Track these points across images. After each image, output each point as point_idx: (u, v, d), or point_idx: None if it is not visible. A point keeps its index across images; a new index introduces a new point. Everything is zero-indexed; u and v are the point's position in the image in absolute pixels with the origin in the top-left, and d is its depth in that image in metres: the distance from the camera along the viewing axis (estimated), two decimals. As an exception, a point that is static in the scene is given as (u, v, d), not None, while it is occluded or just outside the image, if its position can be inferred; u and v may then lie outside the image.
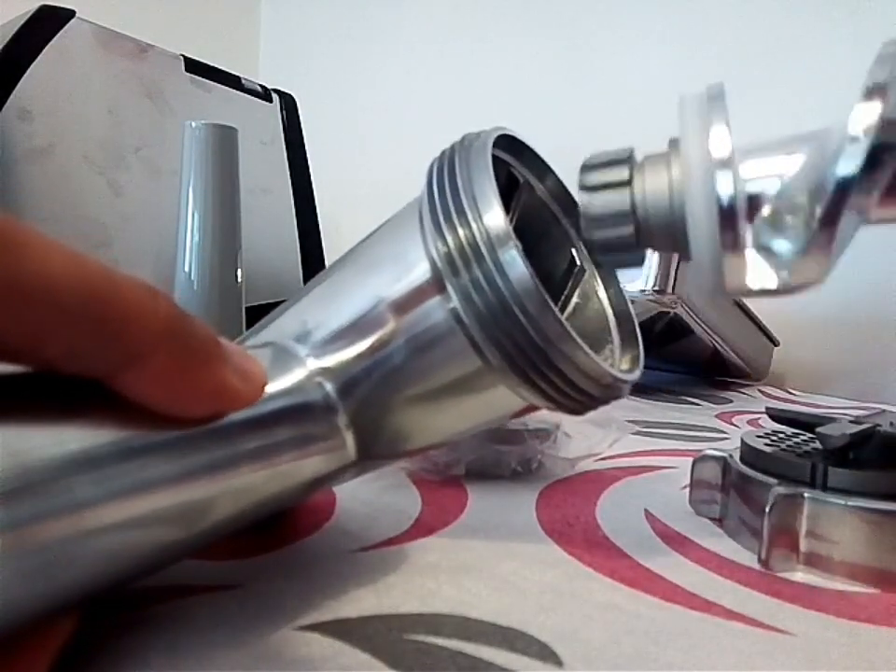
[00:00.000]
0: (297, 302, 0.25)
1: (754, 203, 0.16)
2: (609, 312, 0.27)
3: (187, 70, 0.68)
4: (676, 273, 0.57)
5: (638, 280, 0.57)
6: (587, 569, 0.25)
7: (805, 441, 0.31)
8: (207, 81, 0.69)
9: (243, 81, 0.73)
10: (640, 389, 0.68)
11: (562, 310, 0.25)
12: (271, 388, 0.20)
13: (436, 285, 0.21)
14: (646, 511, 0.32)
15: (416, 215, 0.22)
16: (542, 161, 0.27)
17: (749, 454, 0.30)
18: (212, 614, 0.21)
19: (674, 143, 0.17)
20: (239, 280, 0.47)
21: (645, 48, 0.93)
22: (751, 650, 0.21)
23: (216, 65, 0.71)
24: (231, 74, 0.72)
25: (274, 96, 0.77)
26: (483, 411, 0.23)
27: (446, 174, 0.22)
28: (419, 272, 0.22)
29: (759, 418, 0.58)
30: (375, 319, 0.22)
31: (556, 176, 0.27)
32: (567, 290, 0.27)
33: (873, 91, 0.15)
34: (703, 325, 0.62)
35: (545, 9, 1.02)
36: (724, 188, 0.15)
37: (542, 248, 0.26)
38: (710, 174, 0.15)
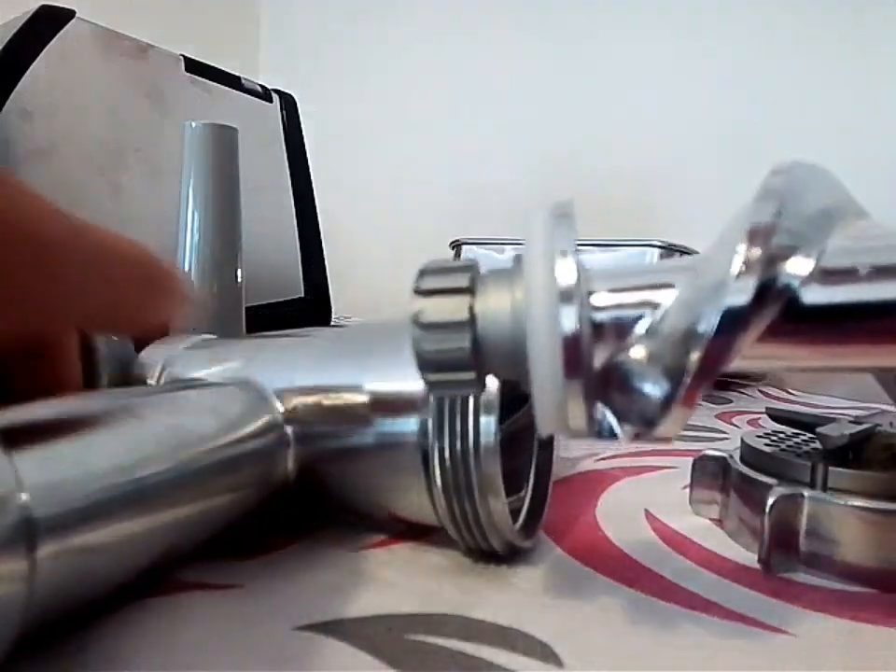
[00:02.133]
0: (286, 352, 0.28)
1: (610, 339, 0.15)
2: (533, 466, 0.29)
3: (187, 70, 0.68)
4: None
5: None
6: (587, 569, 0.25)
7: (805, 441, 0.31)
8: (207, 81, 0.69)
9: (243, 81, 0.73)
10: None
11: (501, 423, 0.25)
12: (242, 431, 0.24)
13: (419, 403, 0.24)
14: (646, 510, 0.32)
15: None
16: None
17: (748, 454, 0.30)
18: (212, 614, 0.21)
19: (518, 261, 0.15)
20: (239, 280, 0.47)
21: (643, 47, 0.93)
22: (751, 650, 0.21)
23: (216, 65, 0.71)
24: (230, 74, 0.72)
25: (274, 96, 0.77)
26: (404, 508, 0.26)
27: None
28: (412, 387, 0.24)
29: (759, 418, 0.58)
30: (353, 399, 0.25)
31: None
32: (510, 420, 0.28)
33: (758, 231, 0.13)
34: (703, 325, 0.62)
35: (547, 10, 1.02)
36: (569, 318, 0.14)
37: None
38: (554, 303, 0.14)
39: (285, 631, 0.20)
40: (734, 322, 0.13)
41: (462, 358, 0.15)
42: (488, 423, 0.23)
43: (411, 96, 1.18)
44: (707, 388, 0.14)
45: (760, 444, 0.30)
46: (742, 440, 0.31)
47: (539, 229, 0.15)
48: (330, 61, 1.29)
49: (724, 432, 0.52)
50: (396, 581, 0.24)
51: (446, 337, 0.15)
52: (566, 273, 0.14)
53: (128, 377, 0.31)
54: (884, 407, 0.59)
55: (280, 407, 0.26)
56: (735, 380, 0.77)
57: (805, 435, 0.32)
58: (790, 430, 0.33)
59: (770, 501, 0.26)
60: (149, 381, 0.30)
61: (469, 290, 0.15)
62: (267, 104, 0.76)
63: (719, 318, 0.13)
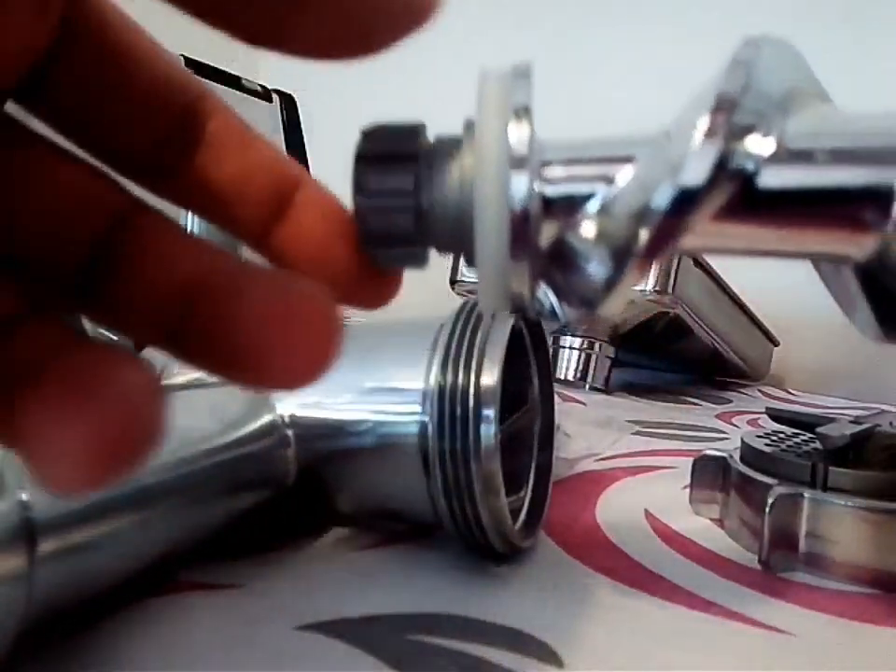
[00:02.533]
0: None
1: (560, 216, 0.14)
2: (533, 466, 0.29)
3: (187, 70, 0.68)
4: (676, 274, 0.57)
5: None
6: (587, 569, 0.25)
7: (805, 441, 0.31)
8: (207, 81, 0.69)
9: (243, 81, 0.73)
10: (640, 389, 0.68)
11: (501, 423, 0.25)
12: (242, 431, 0.24)
13: (419, 404, 0.24)
14: (646, 510, 0.32)
15: (431, 337, 0.25)
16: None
17: (749, 454, 0.30)
18: (212, 613, 0.21)
19: (469, 127, 0.14)
20: (239, 280, 0.47)
21: (643, 46, 0.93)
22: (751, 650, 0.21)
23: (216, 65, 0.71)
24: (231, 74, 0.72)
25: (274, 96, 0.77)
26: (404, 508, 0.26)
27: (471, 324, 0.24)
28: (413, 388, 0.24)
29: (759, 418, 0.58)
30: (358, 400, 0.25)
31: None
32: (510, 420, 0.28)
33: (723, 102, 0.13)
34: (703, 325, 0.62)
35: (547, 9, 1.02)
36: (520, 191, 0.13)
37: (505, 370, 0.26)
38: (505, 173, 0.13)
39: (285, 631, 0.20)
40: (688, 200, 0.13)
41: (406, 230, 0.13)
42: (488, 423, 0.23)
43: (410, 95, 1.18)
44: (650, 267, 0.14)
45: (760, 444, 0.30)
46: (742, 440, 0.31)
47: (492, 88, 0.14)
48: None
49: (724, 432, 0.52)
50: (396, 581, 0.24)
51: (390, 207, 0.13)
52: (520, 139, 0.13)
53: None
54: (884, 407, 0.59)
55: (280, 407, 0.26)
56: (735, 380, 0.77)
57: (805, 435, 0.32)
58: (790, 430, 0.33)
59: (770, 501, 0.26)
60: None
61: (415, 157, 0.14)
62: (267, 103, 0.76)
63: (672, 195, 0.13)
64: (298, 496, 0.26)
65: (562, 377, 0.64)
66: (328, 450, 0.26)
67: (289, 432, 0.25)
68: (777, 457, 0.28)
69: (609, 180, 0.14)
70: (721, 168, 0.13)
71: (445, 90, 1.12)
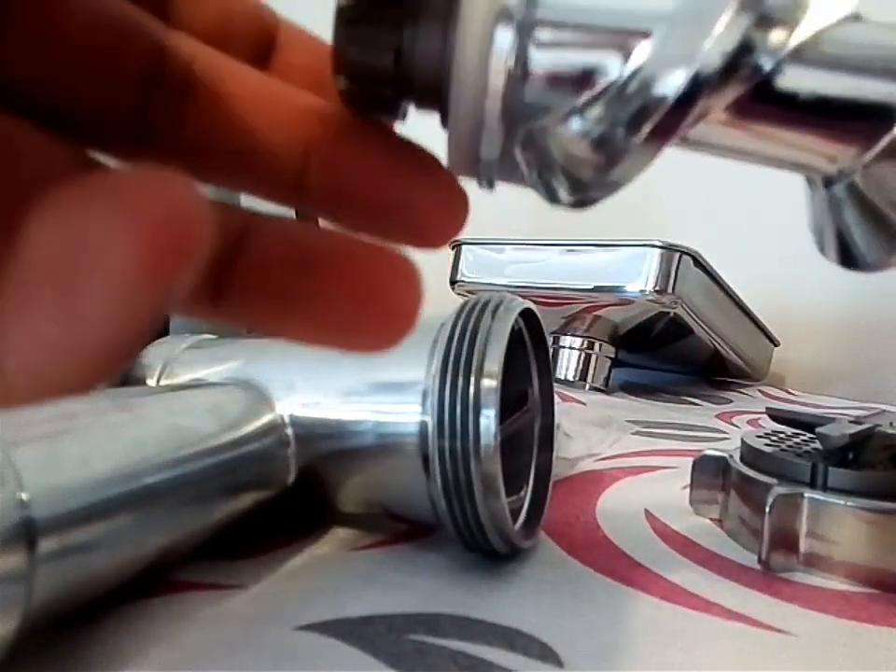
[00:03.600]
0: (287, 353, 0.28)
1: (561, 83, 0.13)
2: (533, 466, 0.29)
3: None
4: (676, 273, 0.57)
5: (638, 280, 0.57)
6: (587, 569, 0.25)
7: (805, 441, 0.31)
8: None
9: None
10: (640, 389, 0.68)
11: (501, 423, 0.25)
12: (242, 431, 0.24)
13: (419, 404, 0.24)
14: (646, 510, 0.32)
15: (431, 337, 0.25)
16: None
17: (749, 454, 0.30)
18: (212, 613, 0.21)
19: None
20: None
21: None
22: (751, 650, 0.21)
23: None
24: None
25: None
26: (404, 508, 0.27)
27: (471, 324, 0.24)
28: (413, 387, 0.24)
29: (759, 418, 0.58)
30: (358, 400, 0.25)
31: (533, 309, 0.27)
32: (510, 420, 0.28)
33: None
34: (703, 325, 0.62)
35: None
36: (505, 42, 0.12)
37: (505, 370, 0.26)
38: (491, 20, 0.12)
39: (285, 631, 0.20)
40: (700, 88, 0.12)
41: (385, 68, 0.12)
42: (488, 423, 0.23)
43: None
44: (656, 152, 0.13)
45: (760, 444, 0.30)
46: (742, 440, 0.31)
47: None
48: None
49: (724, 432, 0.52)
50: (396, 580, 0.24)
51: (370, 39, 0.12)
52: None
53: (128, 377, 0.31)
54: (884, 407, 0.59)
55: (280, 407, 0.26)
56: (735, 380, 0.77)
57: (804, 435, 0.32)
58: (790, 430, 0.33)
59: (770, 501, 0.26)
60: (149, 381, 0.30)
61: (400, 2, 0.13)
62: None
63: (686, 82, 0.12)
64: (298, 496, 0.26)
65: (562, 377, 0.64)
66: (328, 450, 0.26)
67: (289, 432, 0.25)
68: (777, 457, 0.28)
69: (623, 54, 0.13)
70: (742, 57, 0.12)
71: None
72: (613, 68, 0.12)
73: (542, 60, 0.12)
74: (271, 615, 0.21)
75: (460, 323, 0.24)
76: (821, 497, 0.26)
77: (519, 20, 0.12)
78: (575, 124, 0.13)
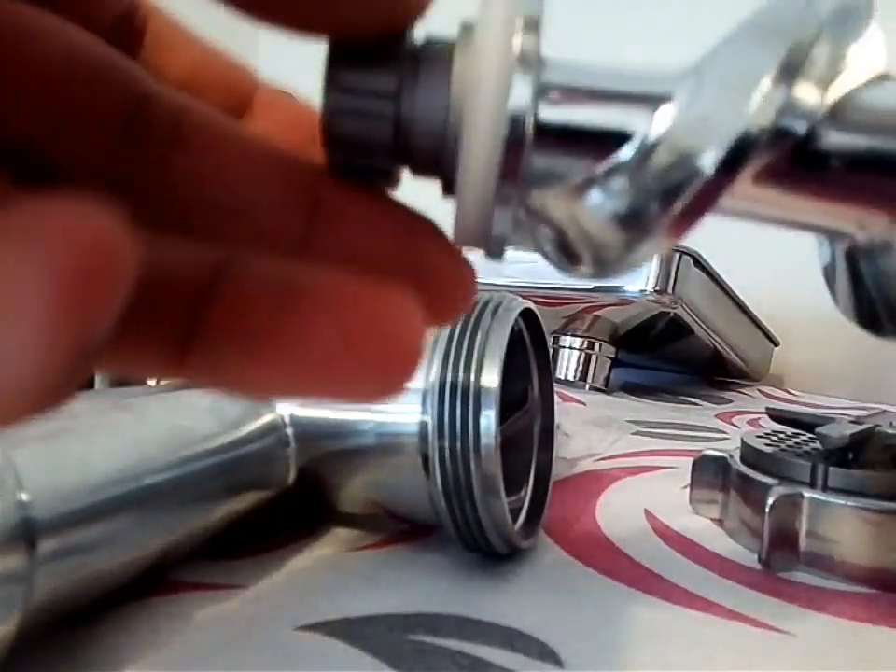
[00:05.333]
0: None
1: (578, 150, 0.12)
2: (533, 466, 0.29)
3: (187, 70, 0.68)
4: (676, 273, 0.57)
5: (639, 280, 0.57)
6: (587, 569, 0.25)
7: (805, 441, 0.31)
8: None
9: (243, 81, 0.73)
10: (640, 389, 0.68)
11: (501, 424, 0.25)
12: (242, 431, 0.24)
13: (419, 404, 0.24)
14: (646, 510, 0.32)
15: (431, 336, 0.25)
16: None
17: (749, 454, 0.30)
18: (213, 613, 0.21)
19: (466, 30, 0.12)
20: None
21: (643, 46, 0.93)
22: (751, 650, 0.21)
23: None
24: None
25: (274, 96, 0.76)
26: (404, 508, 0.27)
27: (471, 324, 0.25)
28: (413, 388, 0.24)
29: (759, 418, 0.58)
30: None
31: (533, 309, 0.27)
32: (510, 420, 0.28)
33: (796, 50, 0.11)
34: (703, 325, 0.62)
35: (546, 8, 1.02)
36: (521, 104, 0.11)
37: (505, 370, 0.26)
38: (506, 82, 0.11)
39: (285, 631, 0.20)
40: (744, 156, 0.11)
41: (382, 140, 0.11)
42: (488, 423, 0.23)
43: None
44: (686, 231, 0.12)
45: (760, 444, 0.30)
46: (742, 440, 0.31)
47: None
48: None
49: (724, 432, 0.52)
50: (396, 580, 0.24)
51: (365, 109, 0.11)
52: (528, 48, 0.11)
53: (128, 377, 0.31)
54: (884, 407, 0.59)
55: (280, 407, 0.26)
56: (735, 380, 0.77)
57: (804, 435, 0.32)
58: (790, 430, 0.33)
59: (770, 501, 0.26)
60: (149, 381, 0.30)
61: (400, 56, 0.11)
62: (267, 104, 0.76)
63: (727, 151, 0.11)
64: (298, 496, 0.26)
65: (562, 377, 0.64)
66: (328, 450, 0.26)
67: (289, 432, 0.25)
68: (777, 457, 0.28)
69: (646, 118, 0.12)
70: (784, 121, 0.11)
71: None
72: (635, 134, 0.12)
73: (557, 126, 0.12)
74: (271, 615, 0.21)
75: (460, 323, 0.24)
76: (821, 497, 0.26)
77: (532, 83, 0.11)
78: (594, 197, 0.12)
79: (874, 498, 0.25)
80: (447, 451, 0.23)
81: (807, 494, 0.26)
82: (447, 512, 0.24)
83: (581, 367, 0.64)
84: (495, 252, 0.12)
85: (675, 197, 0.11)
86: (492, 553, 0.25)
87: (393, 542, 0.27)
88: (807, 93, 0.11)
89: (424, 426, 0.24)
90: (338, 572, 0.24)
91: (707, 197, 0.11)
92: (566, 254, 0.13)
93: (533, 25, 0.11)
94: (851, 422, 0.30)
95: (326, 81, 0.11)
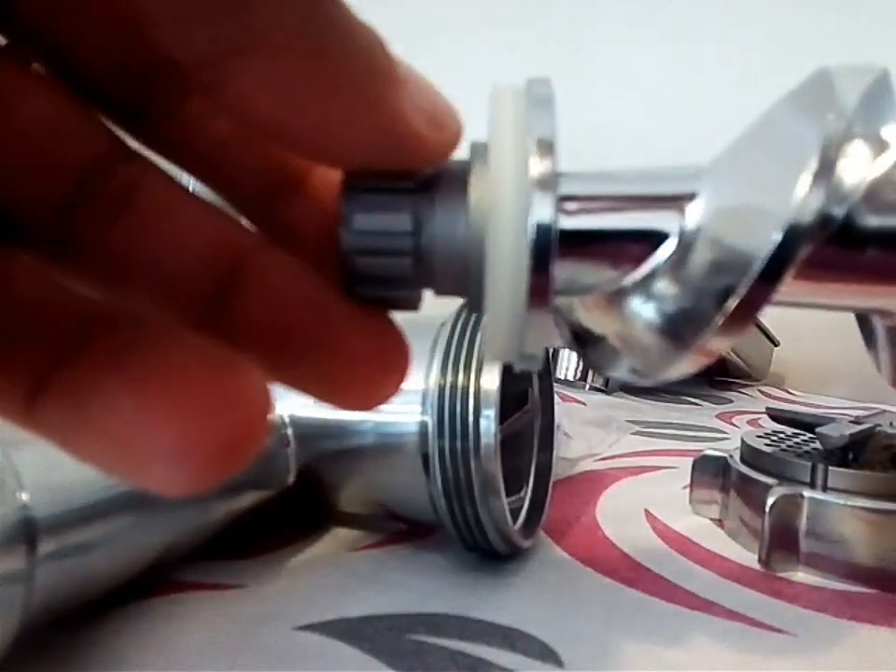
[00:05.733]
0: None
1: (607, 259, 0.11)
2: (533, 466, 0.29)
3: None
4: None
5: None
6: (587, 569, 0.25)
7: (804, 441, 0.31)
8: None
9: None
10: (640, 389, 0.68)
11: (501, 423, 0.25)
12: None
13: (419, 404, 0.24)
14: (646, 510, 0.32)
15: (431, 337, 0.25)
16: None
17: (748, 454, 0.30)
18: (212, 614, 0.21)
19: (477, 152, 0.12)
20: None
21: (644, 47, 0.93)
22: (751, 650, 0.21)
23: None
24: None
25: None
26: (404, 508, 0.27)
27: (471, 324, 0.25)
28: (413, 388, 0.24)
29: (759, 418, 0.58)
30: None
31: None
32: (510, 420, 0.28)
33: (829, 146, 0.11)
34: (703, 325, 0.62)
35: (549, 8, 1.02)
36: (544, 220, 0.10)
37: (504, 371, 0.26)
38: (526, 205, 0.11)
39: (285, 631, 0.20)
40: (796, 242, 0.10)
41: (402, 274, 0.11)
42: (488, 423, 0.23)
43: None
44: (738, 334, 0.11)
45: (760, 444, 0.30)
46: (742, 440, 0.31)
47: (509, 112, 0.12)
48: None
49: (724, 432, 0.52)
50: (396, 580, 0.24)
51: (384, 248, 0.11)
52: (544, 171, 0.11)
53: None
54: (884, 407, 0.59)
55: (280, 407, 0.26)
56: (735, 380, 0.77)
57: (805, 435, 0.32)
58: (790, 430, 0.33)
59: (770, 501, 0.26)
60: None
61: (413, 189, 0.11)
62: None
63: (780, 238, 0.10)
64: (298, 496, 0.26)
65: (562, 377, 0.64)
66: (328, 450, 0.26)
67: (289, 432, 0.25)
68: (777, 457, 0.28)
69: (676, 218, 0.11)
70: (827, 207, 0.11)
71: (445, 91, 1.13)
72: (670, 234, 0.11)
73: (583, 236, 0.11)
74: (271, 615, 0.21)
75: (460, 323, 0.24)
76: (821, 497, 0.26)
77: (552, 202, 0.11)
78: (635, 303, 0.12)
79: (874, 498, 0.25)
80: (447, 451, 0.23)
81: (807, 494, 0.26)
82: (447, 512, 0.24)
83: (581, 367, 0.64)
84: (527, 367, 0.12)
85: (727, 296, 0.11)
86: (492, 553, 0.25)
87: (393, 542, 0.27)
88: (846, 178, 0.11)
89: (424, 426, 0.24)
90: (338, 572, 0.24)
91: (762, 292, 0.11)
92: (604, 360, 0.12)
93: (546, 146, 0.11)
94: (851, 422, 0.30)
95: (343, 221, 0.11)
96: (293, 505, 0.27)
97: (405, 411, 0.24)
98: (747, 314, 0.11)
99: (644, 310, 0.12)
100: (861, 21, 0.79)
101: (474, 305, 0.12)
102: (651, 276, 0.11)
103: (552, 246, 0.11)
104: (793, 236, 0.10)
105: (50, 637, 0.18)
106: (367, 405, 0.11)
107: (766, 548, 0.26)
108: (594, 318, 0.12)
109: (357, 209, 0.11)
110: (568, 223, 0.11)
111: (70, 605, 0.18)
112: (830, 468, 0.26)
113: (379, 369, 0.11)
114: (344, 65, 0.09)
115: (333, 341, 0.11)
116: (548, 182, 0.11)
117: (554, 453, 0.30)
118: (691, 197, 0.11)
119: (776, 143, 0.12)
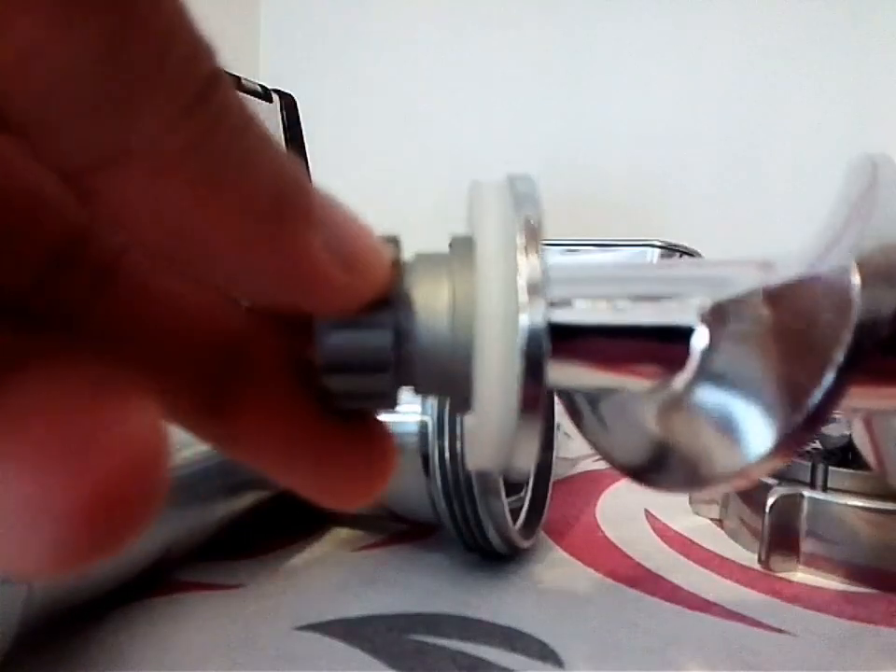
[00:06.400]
0: None
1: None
2: (533, 466, 0.29)
3: (187, 70, 0.68)
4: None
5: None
6: (587, 569, 0.25)
7: (805, 441, 0.31)
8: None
9: (243, 81, 0.73)
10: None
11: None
12: None
13: (419, 404, 0.24)
14: (646, 510, 0.32)
15: None
16: None
17: (749, 454, 0.30)
18: (212, 614, 0.21)
19: (460, 246, 0.11)
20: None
21: (643, 47, 0.93)
22: (751, 649, 0.21)
23: (216, 65, 0.71)
24: (231, 74, 0.72)
25: (274, 96, 0.76)
26: (404, 508, 0.27)
27: None
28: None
29: (759, 418, 0.58)
30: None
31: None
32: None
33: (866, 259, 0.11)
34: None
35: (548, 9, 1.02)
36: (537, 330, 0.10)
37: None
38: (515, 310, 0.10)
39: (285, 631, 0.20)
40: (867, 341, 0.10)
41: (382, 388, 0.11)
42: None
43: (411, 96, 1.18)
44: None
45: (760, 444, 0.30)
46: (742, 440, 0.31)
47: (492, 205, 0.11)
48: (331, 60, 1.29)
49: (724, 432, 0.52)
50: (396, 580, 0.24)
51: (363, 365, 0.10)
52: (532, 269, 0.10)
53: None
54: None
55: None
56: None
57: (805, 435, 0.32)
58: (790, 430, 0.33)
59: (770, 501, 0.26)
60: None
61: (391, 302, 0.10)
62: (267, 104, 0.76)
63: (850, 346, 0.10)
64: (298, 496, 0.26)
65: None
66: None
67: None
68: (777, 457, 0.28)
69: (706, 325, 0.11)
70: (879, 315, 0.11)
71: (446, 91, 1.13)
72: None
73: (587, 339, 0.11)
74: (271, 615, 0.21)
75: None
76: (821, 497, 0.26)
77: (543, 308, 0.10)
78: (694, 406, 0.11)
79: (874, 498, 0.25)
80: (447, 451, 0.23)
81: (807, 494, 0.26)
82: (447, 512, 0.24)
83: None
84: (514, 478, 0.12)
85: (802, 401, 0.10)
86: (492, 553, 0.25)
87: (393, 542, 0.27)
88: (888, 291, 0.11)
89: (424, 426, 0.24)
90: (338, 572, 0.24)
91: (838, 394, 0.10)
92: (649, 468, 0.12)
93: (535, 247, 0.10)
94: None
95: (317, 336, 0.10)
96: (293, 505, 0.27)
97: (405, 411, 0.24)
98: (822, 415, 0.10)
99: (706, 411, 0.11)
100: (863, 31, 0.79)
101: (458, 407, 0.11)
102: (697, 379, 0.11)
103: (544, 351, 0.10)
104: (865, 334, 0.10)
105: (50, 637, 0.18)
106: (352, 505, 0.11)
107: (766, 548, 0.26)
108: (656, 427, 0.12)
109: (332, 331, 0.10)
110: (561, 318, 0.11)
111: (70, 605, 0.18)
112: (830, 468, 0.26)
113: (365, 475, 0.11)
114: (240, 194, 0.08)
115: (319, 452, 0.11)
116: (538, 286, 0.10)
117: (554, 453, 0.30)
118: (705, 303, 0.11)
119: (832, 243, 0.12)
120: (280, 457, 0.11)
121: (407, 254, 0.11)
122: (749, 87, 0.86)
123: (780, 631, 0.22)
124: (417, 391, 0.11)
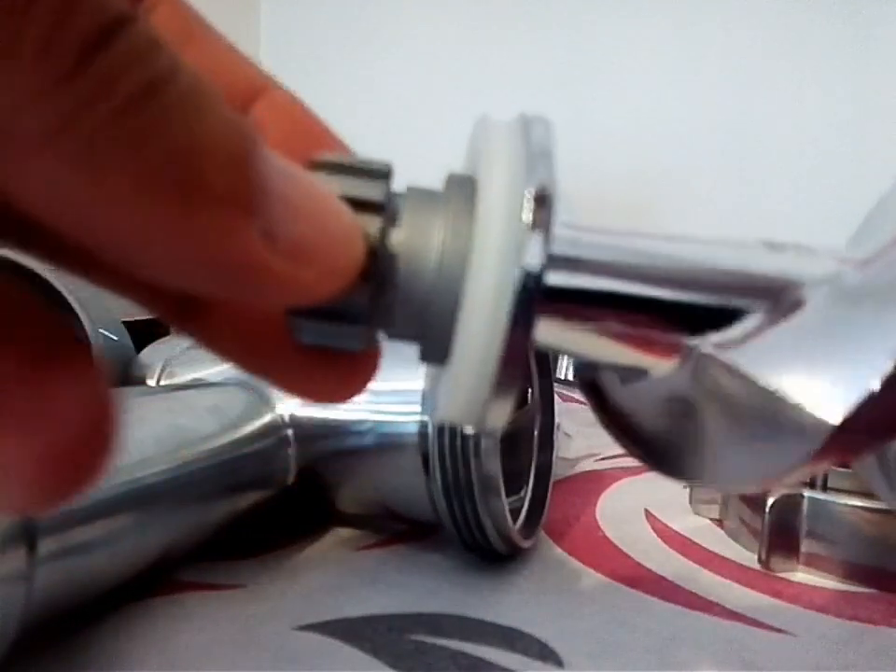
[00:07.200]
0: None
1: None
2: (533, 466, 0.29)
3: (187, 70, 0.68)
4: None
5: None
6: (587, 569, 0.25)
7: (804, 441, 0.31)
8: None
9: (243, 81, 0.73)
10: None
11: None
12: (242, 432, 0.24)
13: (419, 404, 0.24)
14: (646, 510, 0.32)
15: None
16: None
17: (749, 454, 0.30)
18: (213, 612, 0.21)
19: (458, 183, 0.10)
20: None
21: (644, 46, 0.93)
22: (751, 649, 0.21)
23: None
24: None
25: (274, 96, 0.76)
26: (404, 508, 0.27)
27: None
28: (412, 388, 0.24)
29: (759, 418, 0.58)
30: (358, 400, 0.25)
31: None
32: (510, 420, 0.28)
33: None
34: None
35: (549, 9, 1.02)
36: (534, 258, 0.09)
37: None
38: (515, 235, 0.09)
39: (285, 631, 0.20)
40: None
41: (358, 309, 0.10)
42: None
43: (411, 96, 1.19)
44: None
45: (760, 444, 0.30)
46: (742, 440, 0.31)
47: (500, 141, 0.10)
48: (331, 60, 1.29)
49: (724, 432, 0.52)
50: (396, 580, 0.24)
51: (336, 328, 0.10)
52: (544, 199, 0.09)
53: (128, 377, 0.31)
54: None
55: (280, 407, 0.26)
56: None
57: (805, 435, 0.32)
58: (790, 430, 0.33)
59: (770, 501, 0.26)
60: (149, 381, 0.30)
61: (381, 207, 0.10)
62: (267, 104, 0.75)
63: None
64: (298, 496, 0.26)
65: (562, 377, 0.64)
66: (328, 450, 0.26)
67: (289, 432, 0.25)
68: (777, 457, 0.28)
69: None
70: None
71: (446, 90, 1.13)
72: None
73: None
74: (271, 615, 0.21)
75: None
76: (821, 497, 0.26)
77: (543, 250, 0.09)
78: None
79: (874, 498, 0.25)
80: (447, 451, 0.23)
81: (807, 494, 0.26)
82: (447, 512, 0.24)
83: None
84: (483, 433, 0.11)
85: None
86: (492, 553, 0.25)
87: (393, 542, 0.27)
88: None
89: (424, 425, 0.24)
90: (338, 572, 0.24)
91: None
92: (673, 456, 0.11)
93: (543, 191, 0.10)
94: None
95: (287, 320, 0.10)
96: (293, 505, 0.27)
97: (405, 411, 0.24)
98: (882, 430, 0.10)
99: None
100: (860, 28, 0.79)
101: (432, 354, 0.10)
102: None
103: (535, 297, 0.09)
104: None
105: (50, 636, 0.18)
106: (338, 399, 0.11)
107: (766, 548, 0.26)
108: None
109: (301, 319, 0.10)
110: (559, 279, 0.10)
111: (70, 605, 0.18)
112: (830, 468, 0.26)
113: (348, 369, 0.11)
114: (130, 175, 0.07)
115: (297, 348, 0.10)
116: (542, 226, 0.09)
117: (554, 453, 0.30)
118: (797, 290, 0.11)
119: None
120: (256, 353, 0.10)
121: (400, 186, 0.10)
122: (749, 87, 0.86)
123: (780, 631, 0.22)
124: (391, 335, 0.10)
